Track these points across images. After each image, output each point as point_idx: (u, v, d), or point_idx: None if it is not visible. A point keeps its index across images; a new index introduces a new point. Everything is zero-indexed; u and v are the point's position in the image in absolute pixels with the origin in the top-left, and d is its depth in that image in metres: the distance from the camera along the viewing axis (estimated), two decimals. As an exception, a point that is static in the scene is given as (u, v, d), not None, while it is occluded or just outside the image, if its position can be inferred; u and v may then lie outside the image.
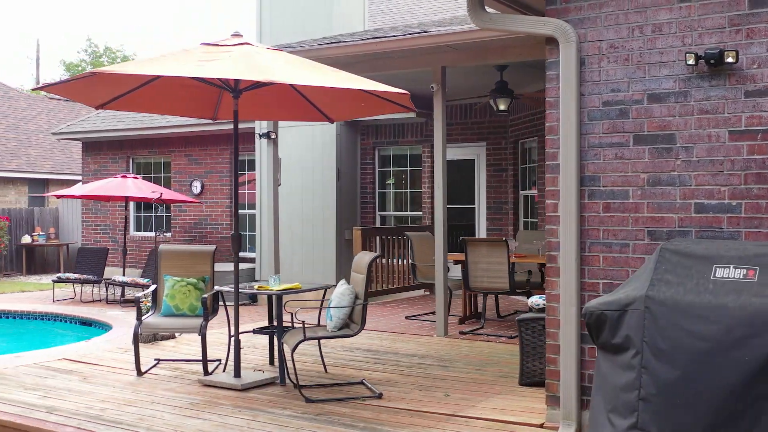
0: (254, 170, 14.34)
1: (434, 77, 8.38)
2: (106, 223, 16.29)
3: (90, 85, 6.25)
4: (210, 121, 14.32)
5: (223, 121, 14.14)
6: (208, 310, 6.64)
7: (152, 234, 15.45)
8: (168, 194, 13.53)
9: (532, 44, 7.40)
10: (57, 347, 8.78)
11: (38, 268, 19.29)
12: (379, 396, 5.75)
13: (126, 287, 13.35)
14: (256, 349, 7.68)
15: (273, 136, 9.82)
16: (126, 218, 14.48)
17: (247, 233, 14.51)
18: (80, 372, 6.69)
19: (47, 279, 17.97)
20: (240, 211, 14.52)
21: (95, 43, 39.71)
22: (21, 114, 23.68)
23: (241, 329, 6.45)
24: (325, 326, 6.07)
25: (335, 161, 12.57)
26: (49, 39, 60.28)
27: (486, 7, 5.16)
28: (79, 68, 38.73)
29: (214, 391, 6.02)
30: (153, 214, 15.69)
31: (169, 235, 15.27)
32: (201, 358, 6.91)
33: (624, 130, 4.77)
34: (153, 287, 7.02)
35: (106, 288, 13.59)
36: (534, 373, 6.04)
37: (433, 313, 10.11)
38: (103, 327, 10.95)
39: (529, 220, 11.56)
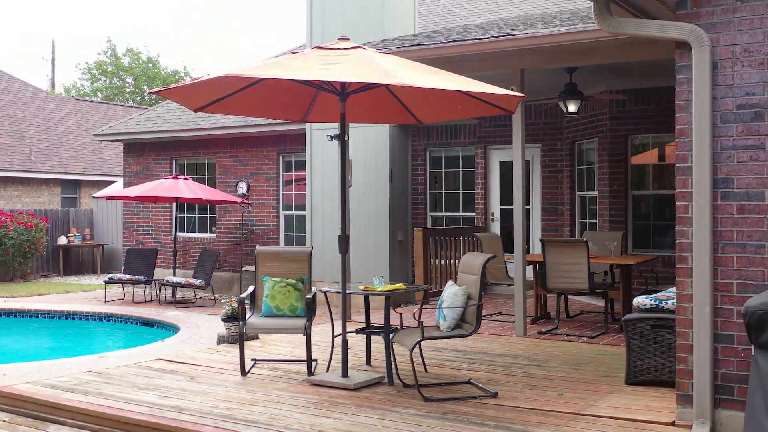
0: (302, 171, 14.44)
1: (513, 79, 8.44)
2: (148, 224, 16.36)
3: (199, 89, 6.33)
4: (257, 122, 14.43)
5: (271, 122, 14.27)
6: (312, 310, 6.71)
7: (196, 235, 15.54)
8: (223, 195, 13.65)
9: (622, 46, 7.47)
10: (138, 347, 8.89)
11: (73, 269, 19.37)
12: (495, 395, 5.83)
13: (178, 288, 13.46)
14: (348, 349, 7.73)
15: (345, 138, 9.84)
16: (175, 219, 14.56)
17: (294, 234, 14.58)
18: (183, 372, 6.76)
19: (86, 280, 18.06)
20: (287, 212, 14.66)
21: (114, 43, 39.68)
22: (50, 115, 23.77)
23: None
24: (437, 326, 6.14)
25: (388, 162, 12.63)
26: (63, 40, 60.49)
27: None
28: (97, 70, 38.82)
29: (327, 390, 6.08)
30: (196, 215, 15.76)
31: (213, 236, 15.36)
32: (297, 358, 7.03)
33: (759, 133, 4.85)
34: (251, 288, 7.07)
35: (159, 289, 13.68)
36: (641, 373, 6.11)
37: (500, 313, 10.22)
38: (167, 327, 11.04)
39: (587, 221, 11.63)
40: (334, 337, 6.68)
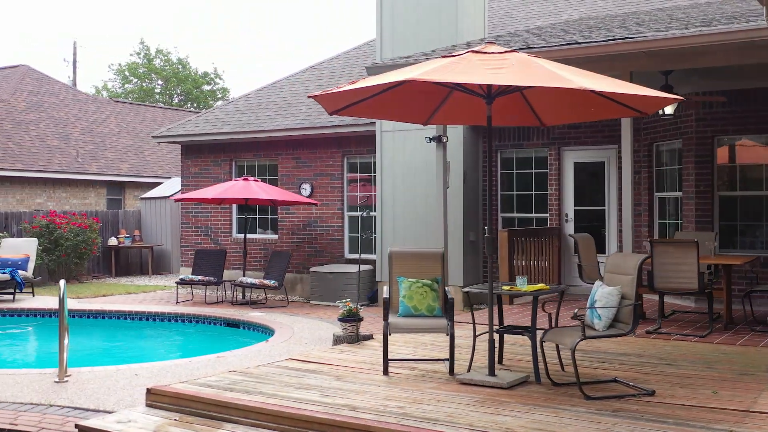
0: (367, 173, 14.54)
1: (621, 82, 8.52)
2: (207, 225, 16.46)
3: (354, 92, 6.43)
4: (323, 124, 14.53)
5: (336, 124, 14.36)
6: (452, 311, 6.79)
7: (257, 236, 15.63)
8: (294, 197, 13.75)
9: (735, 50, 7.56)
10: (248, 348, 8.99)
11: (122, 270, 19.47)
12: (652, 393, 5.91)
13: (248, 288, 13.57)
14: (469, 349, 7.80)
15: (444, 140, 9.95)
16: (246, 221, 14.65)
17: (360, 235, 14.66)
18: (325, 372, 6.84)
19: (140, 281, 18.16)
20: (352, 213, 14.74)
21: (148, 44, 39.72)
22: (92, 117, 23.88)
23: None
24: (588, 326, 6.23)
25: (462, 164, 12.74)
26: (93, 41, 60.57)
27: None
28: (129, 72, 38.87)
29: (480, 389, 6.16)
30: (264, 216, 15.85)
31: (276, 236, 15.45)
32: (420, 357, 7.12)
33: None
34: (385, 289, 7.15)
35: (232, 289, 13.78)
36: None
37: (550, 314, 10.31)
38: (252, 328, 11.14)
39: (666, 221, 11.72)
40: (475, 336, 6.77)
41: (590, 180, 12.56)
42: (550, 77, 5.53)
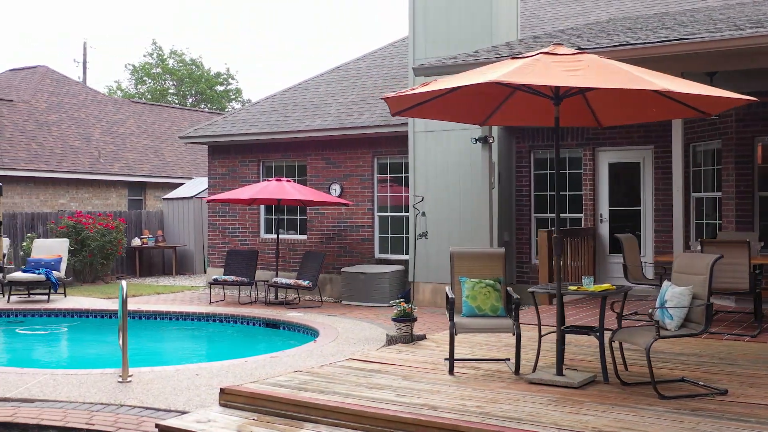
0: (398, 173, 14.57)
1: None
2: (234, 225, 16.50)
3: (416, 95, 6.45)
4: (353, 125, 14.57)
5: (367, 124, 14.40)
6: (518, 311, 6.83)
7: (285, 236, 15.66)
8: (327, 197, 13.79)
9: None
10: (299, 348, 9.03)
11: (145, 271, 19.50)
12: (725, 392, 5.94)
13: (281, 289, 13.61)
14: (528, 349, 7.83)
15: (491, 141, 9.99)
16: (277, 221, 14.69)
17: (390, 235, 14.71)
18: (390, 372, 6.86)
19: (165, 281, 18.19)
20: (382, 214, 14.78)
21: (160, 45, 39.74)
22: (111, 118, 23.92)
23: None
24: (657, 325, 6.26)
25: (496, 164, 12.76)
26: (107, 41, 60.59)
27: None
28: (142, 72, 38.82)
29: (552, 388, 6.19)
30: (298, 217, 15.89)
31: (305, 237, 15.48)
32: (480, 357, 7.16)
33: None
34: (447, 289, 7.18)
35: (266, 290, 13.82)
36: None
37: (635, 312, 10.31)
38: (292, 328, 11.19)
39: (703, 221, 11.75)
40: (541, 336, 6.80)
41: (625, 180, 12.59)
42: (629, 79, 5.56)
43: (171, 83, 39.40)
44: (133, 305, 13.00)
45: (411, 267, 13.58)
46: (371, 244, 14.78)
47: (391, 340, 8.31)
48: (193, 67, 39.22)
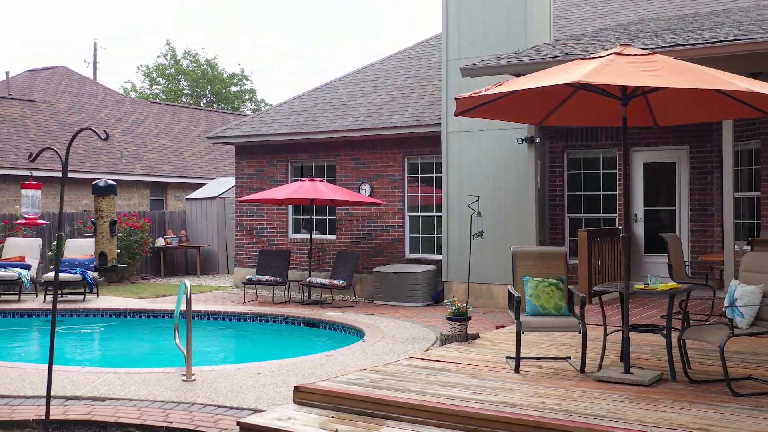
0: (429, 173, 14.63)
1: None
2: (262, 225, 16.55)
3: (487, 95, 6.51)
4: (384, 125, 14.62)
5: (398, 125, 14.45)
6: (583, 309, 6.88)
7: (315, 236, 15.72)
8: (361, 197, 13.84)
9: None
10: (349, 347, 9.07)
11: (169, 271, 19.56)
12: (796, 391, 6.00)
13: (315, 288, 13.66)
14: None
15: (537, 140, 10.03)
16: (311, 221, 14.74)
17: (420, 235, 14.77)
18: (456, 371, 6.89)
19: (191, 281, 18.21)
20: (412, 214, 14.84)
21: (174, 46, 39.88)
22: (131, 118, 23.99)
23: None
24: (731, 323, 6.31)
25: (533, 165, 12.81)
26: (120, 42, 60.66)
27: None
28: (156, 73, 38.81)
29: (623, 386, 6.22)
30: (325, 217, 15.93)
31: (334, 237, 15.53)
32: (542, 356, 7.20)
33: None
34: (509, 288, 7.24)
35: (300, 290, 13.87)
36: None
37: (678, 312, 10.40)
38: (332, 327, 11.24)
39: (741, 222, 11.80)
40: (606, 335, 6.85)
41: (660, 180, 12.65)
42: (708, 79, 5.61)
43: (185, 84, 39.47)
44: (168, 305, 13.06)
45: (444, 267, 13.66)
46: (402, 244, 14.84)
47: (445, 339, 8.36)
48: (207, 68, 39.27)
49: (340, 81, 17.28)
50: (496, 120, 9.16)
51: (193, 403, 6.52)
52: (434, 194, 14.57)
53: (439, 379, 6.52)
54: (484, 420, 5.42)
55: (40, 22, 64.90)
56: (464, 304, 8.37)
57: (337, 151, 15.56)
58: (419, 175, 14.79)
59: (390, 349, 8.88)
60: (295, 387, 6.24)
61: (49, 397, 5.90)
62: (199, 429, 5.86)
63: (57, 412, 6.25)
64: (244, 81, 40.47)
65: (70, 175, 19.78)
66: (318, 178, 13.99)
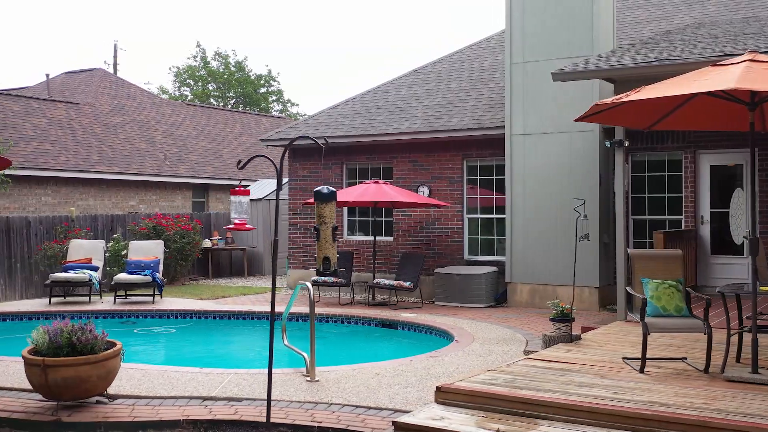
0: (488, 175, 14.75)
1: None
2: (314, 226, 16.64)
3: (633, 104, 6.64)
4: (444, 128, 14.73)
5: (458, 128, 14.54)
6: (707, 311, 7.00)
7: (369, 237, 15.85)
8: (427, 199, 13.96)
9: None
10: (445, 347, 9.19)
11: (214, 272, 19.68)
12: None
13: (379, 289, 13.78)
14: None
15: (626, 144, 10.16)
16: (367, 223, 14.84)
17: (479, 237, 14.89)
18: (581, 371, 7.00)
19: (240, 282, 18.37)
20: (471, 216, 14.96)
21: (204, 47, 40.04)
22: (170, 120, 24.13)
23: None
24: None
25: (598, 167, 12.97)
26: (151, 44, 60.82)
27: None
28: (186, 74, 38.98)
29: (754, 386, 6.35)
30: (381, 218, 16.07)
31: (390, 239, 15.66)
32: (669, 357, 7.33)
33: None
34: (629, 290, 7.37)
35: (367, 291, 13.99)
36: None
37: (761, 313, 10.52)
38: (409, 328, 11.35)
39: (812, 223, 11.94)
40: (730, 336, 6.98)
41: (726, 183, 12.78)
42: None
43: (212, 85, 39.62)
44: (237, 306, 13.19)
45: (507, 268, 13.80)
46: (460, 246, 14.96)
47: (549, 340, 8.48)
48: (235, 69, 39.39)
49: (392, 84, 17.42)
50: (610, 125, 9.30)
51: (331, 403, 6.65)
52: (494, 196, 14.70)
53: (571, 380, 6.64)
54: (641, 419, 5.54)
55: (59, 24, 65.11)
56: (568, 306, 8.49)
57: (394, 153, 15.69)
58: (478, 178, 14.92)
59: (488, 350, 9.01)
60: (437, 387, 6.37)
61: (269, 400, 6.09)
62: (350, 428, 5.98)
63: (203, 413, 6.39)
64: (271, 82, 40.63)
65: (118, 177, 19.94)
66: (382, 181, 14.12)
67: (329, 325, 12.12)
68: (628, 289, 7.38)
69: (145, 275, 13.36)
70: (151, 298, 13.69)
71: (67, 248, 14.31)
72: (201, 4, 64.93)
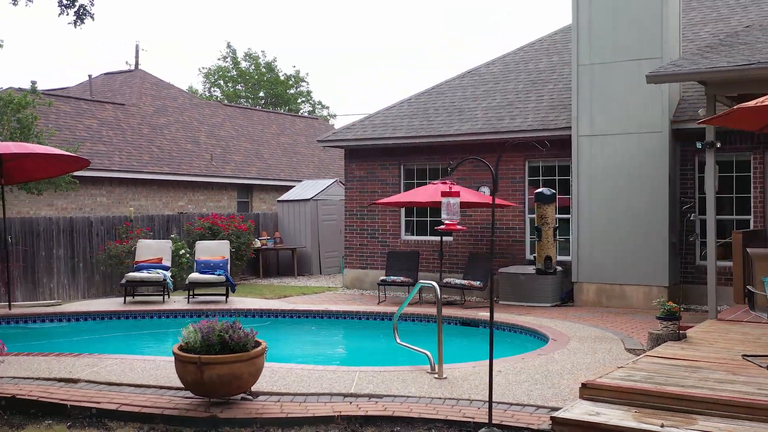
0: (551, 176, 14.89)
1: None
2: (373, 227, 16.83)
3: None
4: (507, 128, 14.87)
5: (524, 128, 14.70)
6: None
7: (426, 237, 16.00)
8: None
9: None
10: (544, 348, 9.34)
11: (264, 272, 19.83)
12: None
13: (447, 289, 13.92)
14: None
15: (718, 145, 10.30)
16: (426, 223, 14.96)
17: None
18: (710, 368, 7.12)
19: (291, 282, 18.51)
20: (533, 216, 15.09)
21: (234, 47, 40.14)
22: (211, 121, 24.28)
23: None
24: None
25: (667, 168, 13.12)
26: (179, 44, 60.91)
27: None
28: (217, 75, 39.13)
29: None
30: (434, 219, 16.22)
31: (450, 238, 15.81)
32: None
33: None
34: (748, 287, 7.53)
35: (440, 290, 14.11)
36: None
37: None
38: (482, 326, 11.47)
39: None
40: None
41: (796, 183, 12.93)
42: None
43: (241, 86, 39.78)
44: (306, 305, 13.33)
45: (574, 268, 13.94)
46: (522, 246, 15.12)
47: (657, 338, 8.62)
48: (265, 69, 39.54)
49: (446, 85, 17.56)
50: (723, 126, 9.44)
51: (472, 400, 6.79)
52: (557, 197, 14.83)
53: (706, 376, 6.79)
54: (800, 414, 5.69)
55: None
56: (676, 304, 8.63)
57: (454, 153, 15.82)
58: (540, 178, 15.07)
59: (591, 348, 9.16)
60: (582, 384, 6.52)
61: (491, 401, 6.19)
62: (504, 423, 6.13)
63: (351, 409, 6.53)
64: (300, 83, 40.80)
65: (169, 177, 20.09)
66: (448, 181, 14.25)
67: (407, 323, 12.23)
68: (750, 287, 7.52)
69: (219, 275, 13.51)
70: (222, 298, 13.83)
71: (135, 248, 14.45)
72: (226, 5, 65.13)
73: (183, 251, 16.21)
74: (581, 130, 13.78)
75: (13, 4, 11.54)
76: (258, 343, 6.82)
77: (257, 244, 19.61)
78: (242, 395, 6.85)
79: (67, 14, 11.64)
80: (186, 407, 6.62)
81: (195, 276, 13.59)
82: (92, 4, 11.36)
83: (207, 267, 13.83)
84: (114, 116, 20.93)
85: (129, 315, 12.64)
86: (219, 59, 38.77)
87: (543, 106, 15.30)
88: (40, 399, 6.91)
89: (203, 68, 41.82)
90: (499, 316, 11.96)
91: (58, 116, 19.04)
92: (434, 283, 8.04)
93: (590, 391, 6.47)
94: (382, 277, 14.51)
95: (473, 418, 6.30)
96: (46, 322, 12.05)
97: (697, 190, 13.62)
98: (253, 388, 7.13)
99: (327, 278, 19.28)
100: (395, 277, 14.18)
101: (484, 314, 12.20)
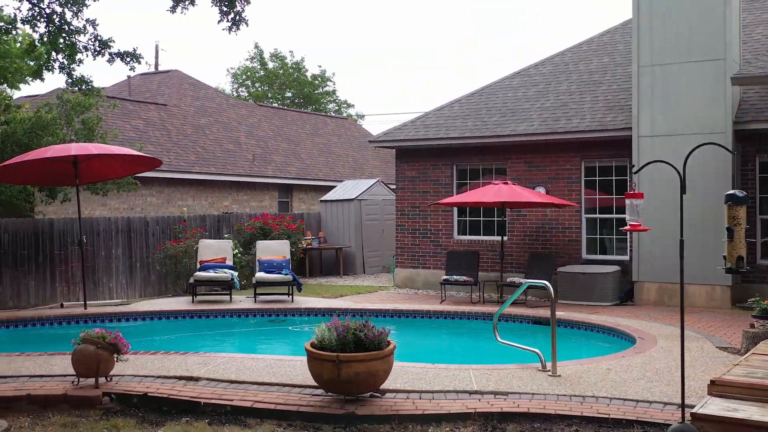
0: (607, 176, 15.02)
1: None
2: (425, 227, 16.98)
3: None
4: (564, 129, 15.00)
5: (581, 129, 14.83)
6: None
7: (480, 237, 16.15)
8: (554, 199, 14.23)
9: None
10: (634, 347, 9.47)
11: (308, 271, 19.96)
12: None
13: (504, 287, 14.06)
14: None
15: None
16: (498, 223, 15.09)
17: (597, 236, 15.18)
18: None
19: (338, 281, 18.65)
20: (589, 216, 15.24)
21: (261, 48, 40.29)
22: (248, 121, 24.42)
23: None
24: None
25: (730, 168, 13.26)
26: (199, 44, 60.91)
27: None
28: (244, 76, 39.19)
29: None
30: (499, 219, 16.36)
31: (504, 238, 15.94)
32: None
33: None
34: None
35: (497, 289, 14.27)
36: None
37: None
38: (564, 325, 11.61)
39: None
40: None
41: None
42: None
43: (266, 86, 39.91)
44: (369, 304, 13.45)
45: (634, 268, 14.08)
46: (578, 245, 15.25)
47: (753, 337, 8.76)
48: (293, 70, 39.67)
49: (497, 86, 17.70)
50: None
51: (597, 397, 6.93)
52: (614, 197, 14.97)
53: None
54: None
55: (103, 23, 65.24)
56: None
57: (509, 154, 15.97)
58: (597, 178, 15.20)
59: (676, 346, 9.27)
60: (711, 381, 6.65)
61: (683, 403, 6.28)
62: (640, 420, 6.27)
63: (484, 406, 6.66)
64: (326, 83, 40.95)
65: (214, 177, 20.22)
66: (508, 181, 14.40)
67: (477, 322, 12.38)
68: None
69: (286, 274, 13.65)
70: (286, 297, 13.97)
71: (197, 248, 14.59)
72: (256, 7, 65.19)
73: (236, 251, 16.36)
74: (642, 131, 13.91)
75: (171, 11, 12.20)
76: (389, 342, 6.95)
77: (304, 243, 19.75)
78: (371, 393, 6.99)
79: (227, 20, 12.20)
80: (320, 404, 6.75)
81: (261, 276, 13.73)
82: (243, 9, 11.88)
83: (271, 266, 13.97)
84: (158, 117, 21.06)
85: (201, 314, 12.78)
86: (246, 60, 39.10)
87: (599, 106, 15.43)
88: (171, 396, 7.04)
89: (231, 68, 41.97)
90: (572, 315, 12.11)
91: (106, 117, 19.16)
92: (547, 283, 8.17)
93: (719, 388, 6.60)
94: (444, 277, 14.65)
95: (608, 414, 6.44)
96: (122, 322, 12.18)
97: (758, 190, 13.76)
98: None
99: (372, 278, 19.42)
100: (458, 277, 14.32)
101: (558, 313, 12.32)
